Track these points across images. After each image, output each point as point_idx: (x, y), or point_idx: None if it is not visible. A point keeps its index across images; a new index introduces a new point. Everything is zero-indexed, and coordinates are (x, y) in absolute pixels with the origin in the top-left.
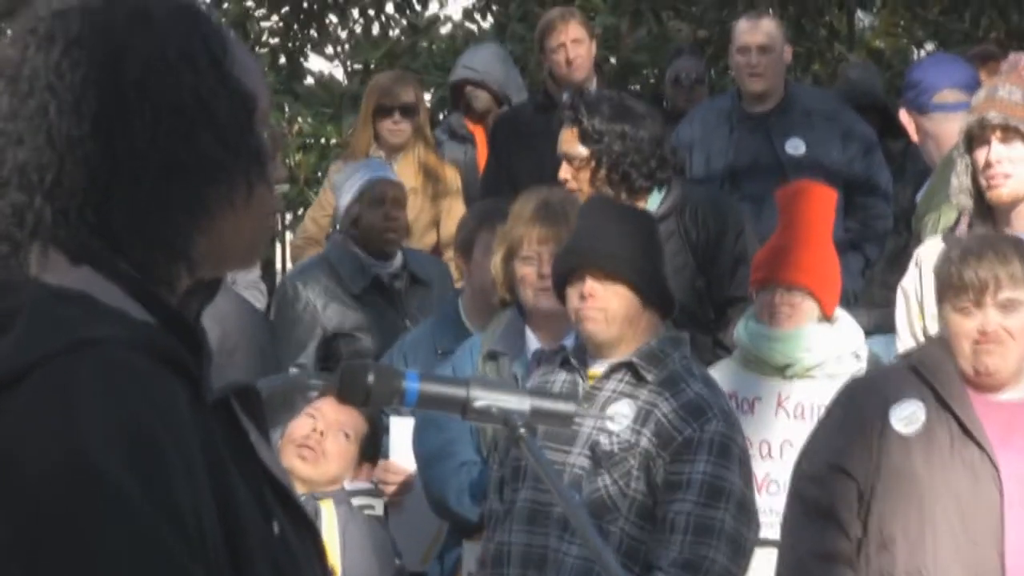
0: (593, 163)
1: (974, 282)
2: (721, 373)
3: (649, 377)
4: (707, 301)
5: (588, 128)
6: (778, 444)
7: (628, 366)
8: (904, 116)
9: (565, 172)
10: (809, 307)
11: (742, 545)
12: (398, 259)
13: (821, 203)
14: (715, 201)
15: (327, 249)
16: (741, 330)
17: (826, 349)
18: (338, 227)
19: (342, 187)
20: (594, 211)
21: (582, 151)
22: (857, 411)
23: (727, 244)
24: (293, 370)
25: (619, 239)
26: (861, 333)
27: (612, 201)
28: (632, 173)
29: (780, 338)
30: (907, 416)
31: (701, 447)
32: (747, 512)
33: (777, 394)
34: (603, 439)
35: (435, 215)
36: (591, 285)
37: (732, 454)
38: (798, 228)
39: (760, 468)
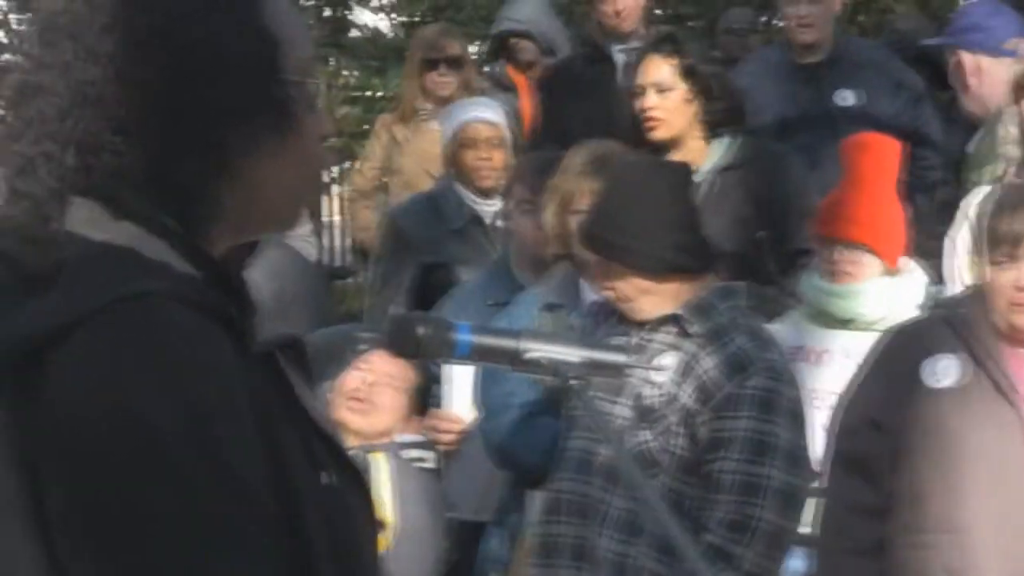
0: (690, 99)
1: (1008, 235)
2: (789, 325)
3: (692, 330)
4: (770, 253)
5: (690, 64)
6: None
7: (675, 318)
8: (966, 57)
9: (651, 101)
10: (870, 262)
11: (794, 496)
12: (498, 200)
13: (883, 155)
14: (780, 156)
15: (434, 186)
16: (805, 284)
17: (887, 303)
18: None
19: (443, 127)
20: (613, 181)
21: (680, 85)
22: (891, 364)
23: (793, 198)
24: (393, 309)
25: (624, 220)
26: (924, 285)
27: (634, 166)
28: (719, 116)
29: (841, 294)
30: (940, 370)
31: (743, 403)
32: (797, 463)
33: (843, 347)
34: (647, 391)
35: None
36: (601, 267)
37: (778, 407)
38: (858, 182)
39: (828, 419)
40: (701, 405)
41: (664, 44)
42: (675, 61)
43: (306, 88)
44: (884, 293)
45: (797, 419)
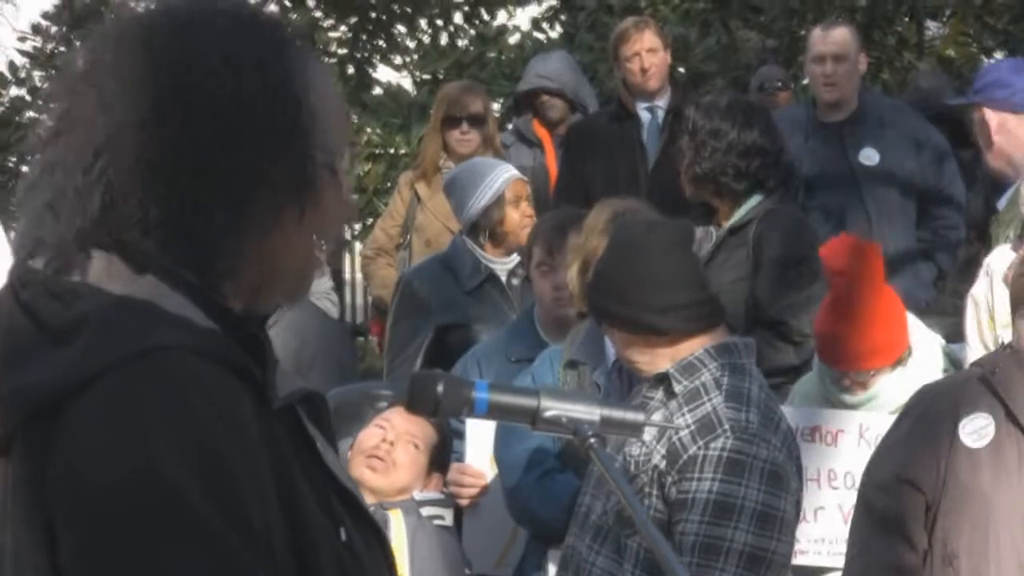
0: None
1: None
2: (802, 399)
3: (677, 389)
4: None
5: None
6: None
7: (665, 378)
8: (990, 114)
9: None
10: (878, 374)
11: (763, 559)
12: (516, 256)
13: (859, 268)
14: (783, 220)
15: (447, 249)
16: (819, 372)
17: (902, 391)
18: (462, 228)
19: (468, 189)
20: (609, 242)
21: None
22: (926, 422)
23: (775, 265)
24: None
25: (608, 282)
26: (937, 359)
27: (627, 227)
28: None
29: (854, 402)
30: (977, 430)
31: (707, 464)
32: (770, 525)
33: (859, 425)
34: (633, 451)
35: None
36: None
37: (746, 467)
38: (844, 308)
39: (847, 499)
40: (669, 466)
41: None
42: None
43: (333, 160)
44: (896, 385)
45: (774, 480)
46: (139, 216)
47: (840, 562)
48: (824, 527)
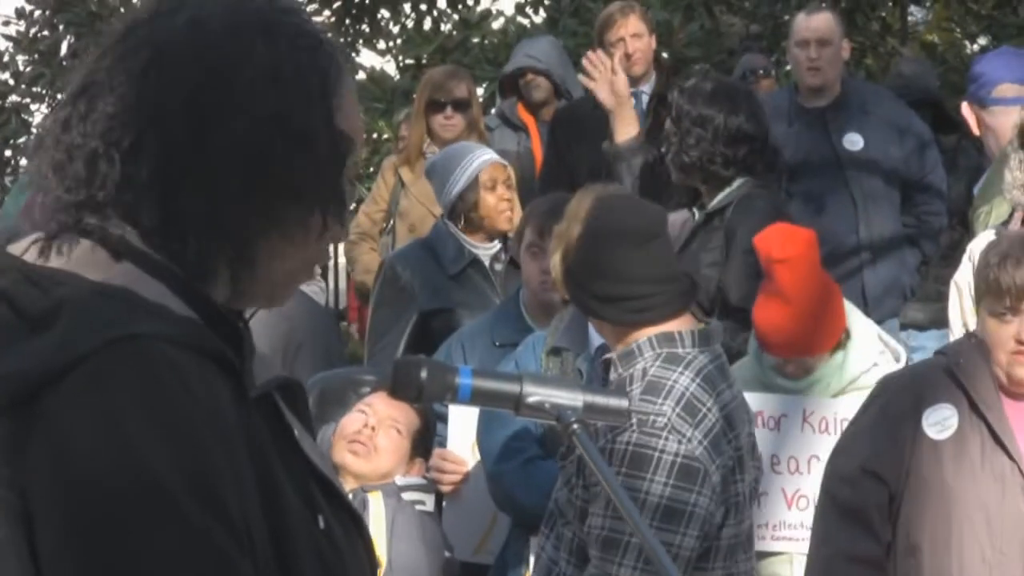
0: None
1: (1011, 287)
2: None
3: (612, 376)
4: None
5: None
6: (805, 459)
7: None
8: (966, 109)
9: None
10: (815, 360)
11: (668, 553)
12: (497, 242)
13: (799, 257)
14: (755, 204)
15: (430, 233)
16: (753, 360)
17: (843, 375)
18: (443, 212)
19: (446, 174)
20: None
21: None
22: (890, 413)
23: (740, 253)
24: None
25: (571, 266)
26: (872, 345)
27: (593, 210)
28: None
29: (794, 387)
30: (940, 421)
31: (613, 457)
32: (676, 520)
33: (802, 410)
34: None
35: None
36: None
37: (650, 461)
38: (780, 295)
39: (790, 484)
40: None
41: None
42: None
43: (345, 197)
44: (836, 369)
45: (684, 474)
46: (156, 197)
47: (785, 546)
48: (768, 512)
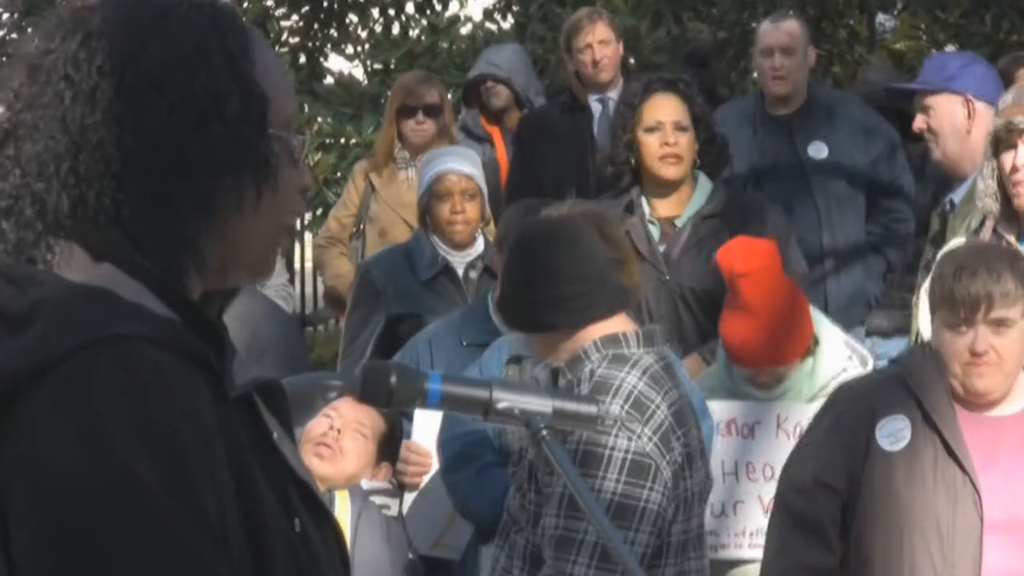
0: (694, 143)
1: (965, 299)
2: (708, 381)
3: (561, 383)
4: None
5: (698, 110)
6: (781, 466)
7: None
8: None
9: (672, 136)
10: (784, 370)
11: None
12: (476, 249)
13: (761, 269)
14: (759, 205)
15: (410, 238)
16: (723, 371)
17: (814, 382)
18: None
19: (420, 178)
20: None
21: (691, 128)
22: (843, 423)
23: None
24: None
25: (504, 280)
26: (840, 350)
27: (526, 225)
28: (711, 160)
29: (764, 396)
30: (893, 432)
31: None
32: (630, 516)
33: (776, 416)
34: (516, 445)
35: None
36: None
37: (602, 459)
38: (749, 311)
39: (766, 490)
40: (538, 462)
41: (679, 84)
42: (687, 103)
43: (289, 143)
44: (806, 378)
45: (636, 471)
46: (111, 211)
47: (757, 553)
48: (744, 520)
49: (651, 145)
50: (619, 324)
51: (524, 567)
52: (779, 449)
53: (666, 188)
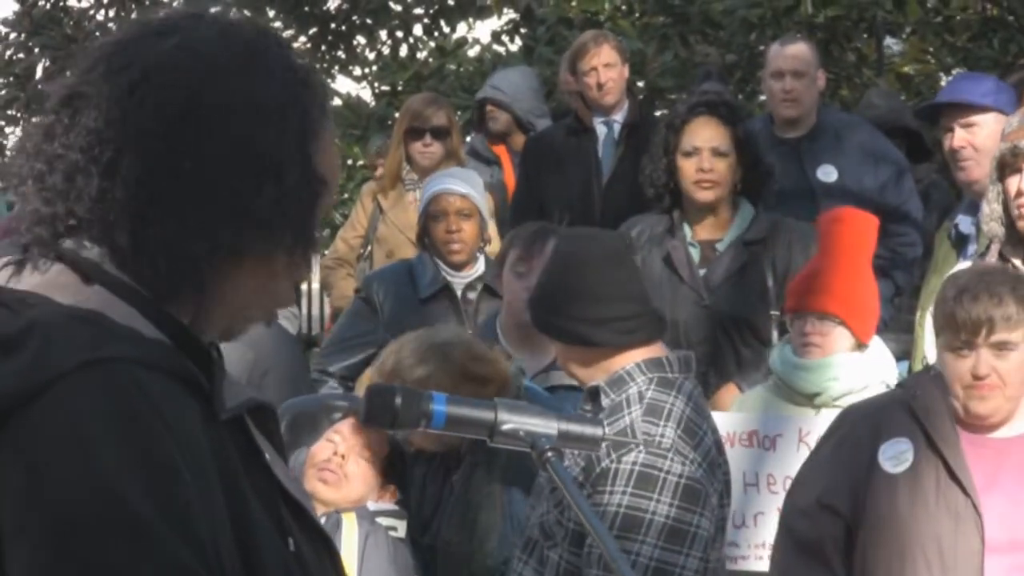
0: (735, 168)
1: (967, 323)
2: (752, 402)
3: (605, 403)
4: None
5: (743, 134)
6: None
7: (597, 391)
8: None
9: (709, 163)
10: (840, 335)
11: (672, 574)
12: (475, 271)
13: (859, 229)
14: (802, 232)
15: (416, 256)
16: (775, 357)
17: (854, 378)
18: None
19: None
20: (551, 255)
21: (732, 152)
22: (847, 446)
23: None
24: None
25: (546, 293)
26: (893, 362)
27: (568, 239)
28: (753, 183)
29: (809, 367)
30: (896, 455)
31: (618, 478)
32: (679, 540)
33: (798, 429)
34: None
35: None
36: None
37: (657, 481)
38: (833, 254)
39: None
40: (585, 478)
41: (722, 108)
42: (730, 128)
43: (314, 239)
44: (851, 367)
45: (688, 496)
46: (133, 218)
47: None
48: (764, 532)
49: (687, 169)
50: (658, 349)
51: None
52: (800, 462)
53: (703, 212)
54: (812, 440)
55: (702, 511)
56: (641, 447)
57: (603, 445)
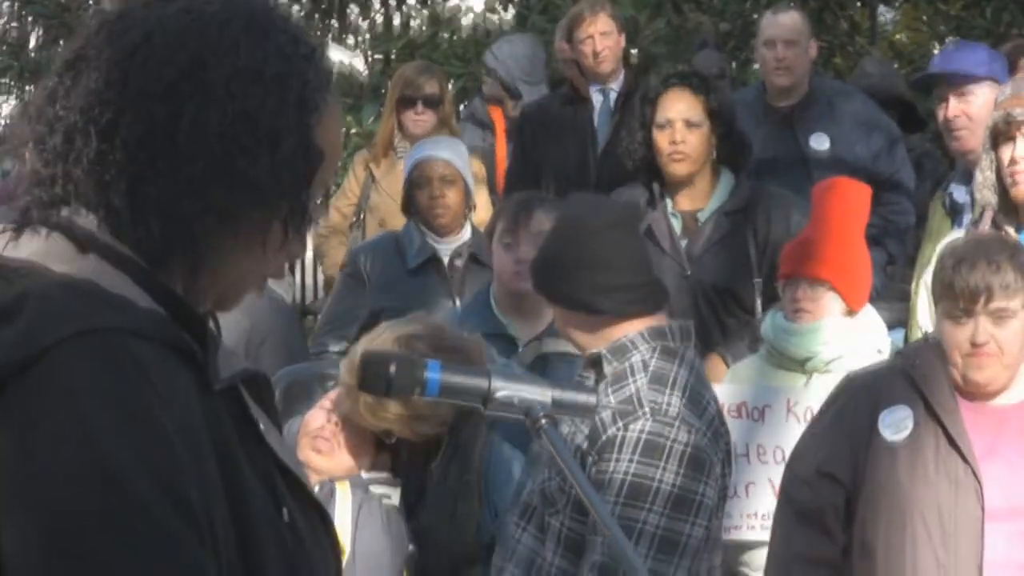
0: (710, 138)
1: (965, 290)
2: (744, 371)
3: (607, 370)
4: (763, 298)
5: (716, 103)
6: (791, 449)
7: (599, 359)
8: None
9: (680, 135)
10: (831, 300)
11: (678, 542)
12: (463, 238)
13: (852, 198)
14: (782, 200)
15: (404, 227)
16: (767, 324)
17: (844, 343)
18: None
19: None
20: (557, 220)
21: (705, 122)
22: (847, 414)
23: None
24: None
25: (552, 258)
26: (884, 329)
27: (575, 204)
28: (731, 153)
29: (799, 332)
30: (896, 423)
31: (625, 446)
32: (685, 508)
33: (786, 400)
34: (562, 429)
35: None
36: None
37: (664, 450)
38: (826, 222)
39: (776, 473)
40: (590, 446)
41: (693, 79)
42: (702, 98)
43: (309, 210)
44: (841, 333)
45: (693, 464)
46: (129, 181)
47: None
48: (756, 502)
49: (661, 142)
50: (660, 318)
51: (558, 550)
52: (789, 432)
53: (681, 183)
54: (800, 410)
55: (707, 480)
56: (648, 415)
57: (610, 413)
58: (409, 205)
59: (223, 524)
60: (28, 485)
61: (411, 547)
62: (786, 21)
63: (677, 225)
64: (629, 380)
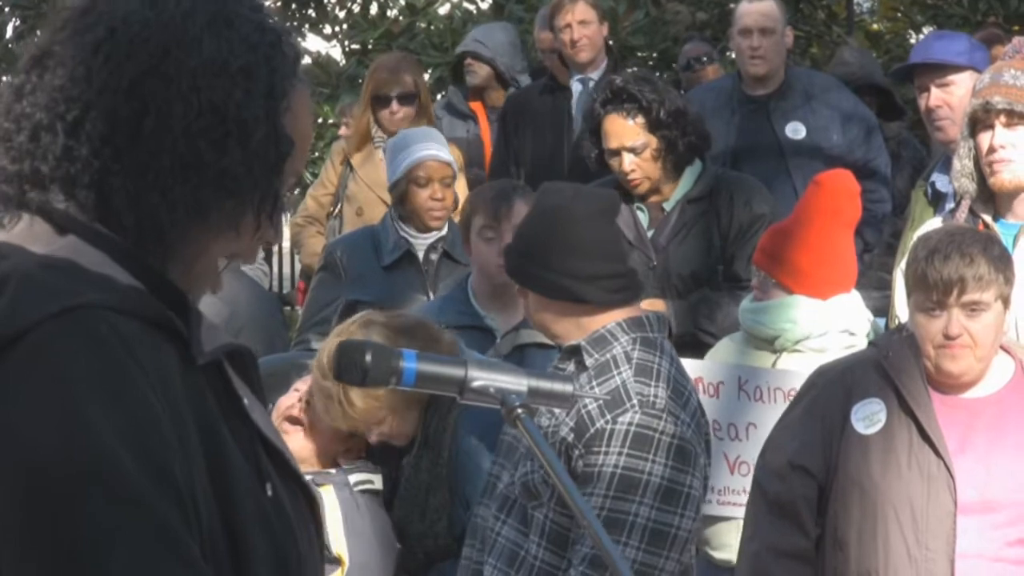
0: (660, 150)
1: (938, 283)
2: (723, 352)
3: (588, 362)
4: (724, 284)
5: (654, 117)
6: (744, 426)
7: (578, 350)
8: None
9: (629, 165)
10: (804, 287)
11: (667, 534)
12: (440, 232)
13: (832, 194)
14: (749, 188)
15: (380, 221)
16: (742, 307)
17: (812, 322)
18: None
19: (392, 160)
20: (533, 207)
21: (651, 140)
22: (819, 406)
23: (753, 232)
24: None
25: (529, 245)
26: (859, 311)
27: (553, 193)
28: (685, 152)
29: (766, 309)
30: (868, 416)
31: (614, 438)
32: (674, 500)
33: (737, 378)
34: (542, 422)
35: None
36: (520, 292)
37: (652, 442)
38: (806, 220)
39: (731, 449)
40: (577, 439)
41: (624, 103)
42: (640, 119)
43: (281, 197)
44: (810, 311)
45: (681, 456)
46: (96, 176)
47: (726, 511)
48: (712, 477)
49: (614, 167)
50: (636, 308)
51: (542, 542)
52: (742, 410)
53: (645, 194)
54: (750, 389)
55: (693, 471)
56: (637, 407)
57: (597, 405)
58: (402, 199)
59: (206, 500)
60: (11, 463)
61: (398, 546)
62: (761, 9)
63: (644, 218)
64: (613, 372)
